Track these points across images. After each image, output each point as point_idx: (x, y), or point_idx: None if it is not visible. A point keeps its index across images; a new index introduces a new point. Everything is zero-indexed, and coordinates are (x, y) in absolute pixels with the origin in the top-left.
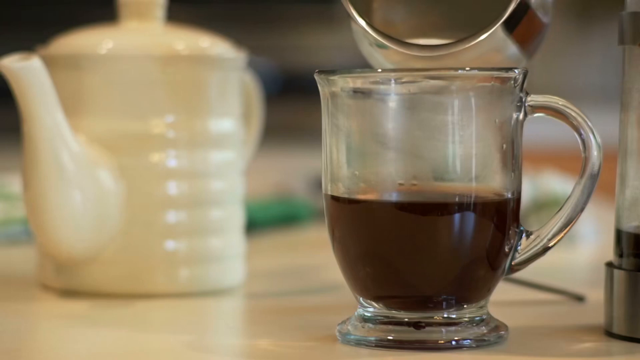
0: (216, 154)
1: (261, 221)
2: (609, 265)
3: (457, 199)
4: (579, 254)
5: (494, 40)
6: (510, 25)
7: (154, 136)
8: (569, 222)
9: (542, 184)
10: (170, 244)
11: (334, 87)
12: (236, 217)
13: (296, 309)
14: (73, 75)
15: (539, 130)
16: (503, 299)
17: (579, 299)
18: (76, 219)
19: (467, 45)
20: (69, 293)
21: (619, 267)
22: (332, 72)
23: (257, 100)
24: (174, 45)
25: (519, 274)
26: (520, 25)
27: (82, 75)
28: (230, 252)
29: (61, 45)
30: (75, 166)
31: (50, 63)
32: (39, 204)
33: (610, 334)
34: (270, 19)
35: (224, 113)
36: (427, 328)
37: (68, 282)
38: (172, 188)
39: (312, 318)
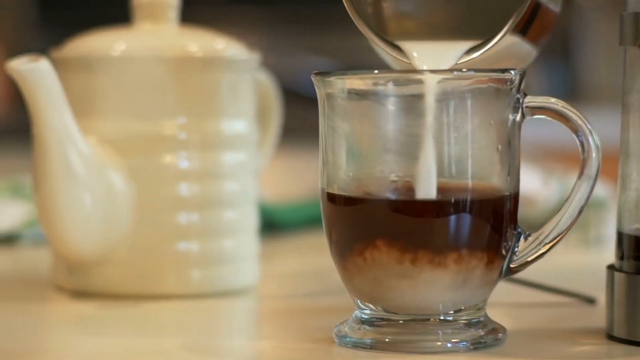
0: (228, 155)
1: (292, 222)
2: (610, 267)
3: (452, 200)
4: (601, 256)
5: (505, 45)
6: (522, 29)
7: (166, 138)
8: (568, 224)
9: (570, 184)
10: (181, 245)
11: (330, 89)
12: (249, 219)
13: (304, 310)
14: (85, 77)
15: (566, 130)
16: (510, 300)
17: (590, 301)
18: (85, 220)
19: (473, 57)
20: (81, 294)
21: (620, 270)
22: (328, 73)
23: (274, 101)
24: (186, 47)
25: (531, 276)
26: (533, 25)
27: (95, 77)
28: (242, 254)
29: (74, 47)
30: (85, 168)
31: (63, 65)
32: (48, 205)
33: (611, 336)
34: (330, 19)
35: (236, 114)
36: (424, 330)
37: (79, 283)
38: (184, 189)
39: (316, 320)
